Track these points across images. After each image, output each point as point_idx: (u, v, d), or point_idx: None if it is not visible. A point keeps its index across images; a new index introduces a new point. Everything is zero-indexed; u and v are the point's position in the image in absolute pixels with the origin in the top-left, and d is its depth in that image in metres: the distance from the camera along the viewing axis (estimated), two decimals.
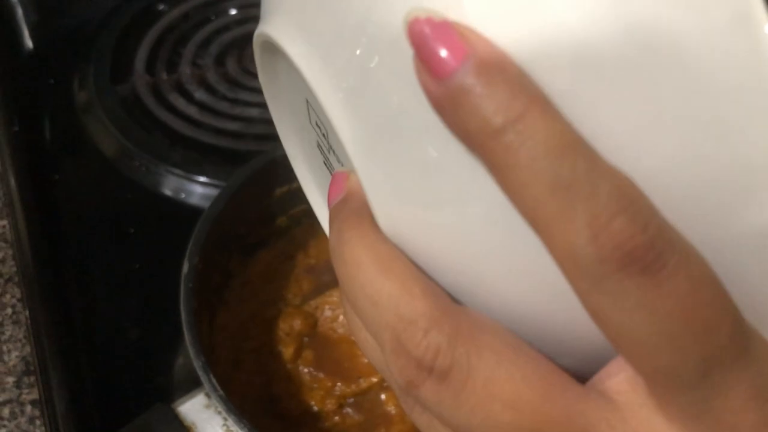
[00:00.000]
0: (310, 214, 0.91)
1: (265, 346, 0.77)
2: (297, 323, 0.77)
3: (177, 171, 0.97)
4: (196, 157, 0.99)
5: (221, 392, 0.61)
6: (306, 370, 0.75)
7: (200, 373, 0.62)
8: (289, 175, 0.83)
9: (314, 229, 0.87)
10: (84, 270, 0.90)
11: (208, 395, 0.63)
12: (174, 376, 0.81)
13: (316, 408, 0.74)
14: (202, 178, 0.96)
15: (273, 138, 0.99)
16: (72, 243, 0.93)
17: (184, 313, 0.65)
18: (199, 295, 0.69)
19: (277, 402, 0.74)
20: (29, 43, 1.14)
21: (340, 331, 0.77)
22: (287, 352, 0.76)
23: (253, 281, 0.82)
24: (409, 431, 0.73)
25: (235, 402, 0.71)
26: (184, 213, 0.95)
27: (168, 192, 0.97)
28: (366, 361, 0.76)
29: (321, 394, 0.74)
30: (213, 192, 0.95)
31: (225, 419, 0.61)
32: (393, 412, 0.74)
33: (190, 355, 0.63)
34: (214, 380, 0.62)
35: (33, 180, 0.97)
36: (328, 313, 0.78)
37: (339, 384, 0.75)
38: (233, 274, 0.81)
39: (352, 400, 0.74)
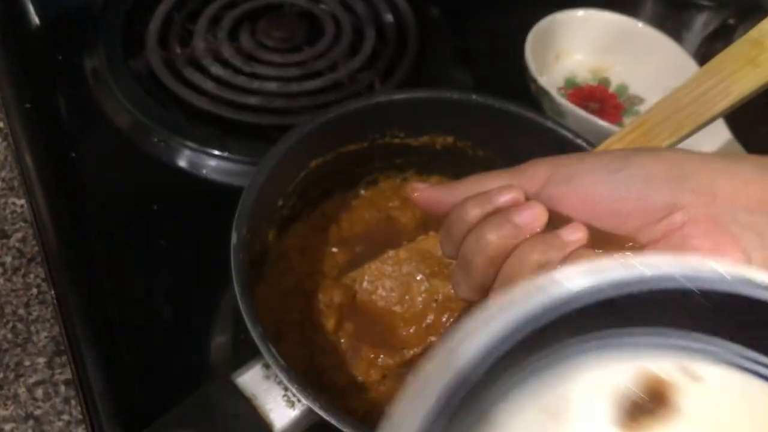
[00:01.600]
0: (341, 185, 0.92)
1: (306, 318, 0.77)
2: (336, 295, 0.77)
3: (197, 146, 0.96)
4: (216, 132, 0.97)
5: (282, 362, 0.61)
6: (348, 341, 0.75)
7: (259, 343, 0.62)
8: (325, 146, 0.84)
9: (345, 201, 0.87)
10: (110, 247, 0.89)
11: (266, 366, 0.62)
12: (211, 354, 0.81)
13: (360, 379, 0.74)
14: (223, 153, 0.95)
15: (293, 112, 1.00)
16: (95, 221, 0.91)
17: (237, 285, 0.64)
18: (245, 266, 0.68)
19: (321, 373, 0.74)
20: (35, 19, 1.11)
21: (381, 303, 0.77)
22: (328, 324, 0.76)
23: (289, 254, 0.81)
24: None
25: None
26: (206, 189, 0.94)
27: (189, 168, 0.96)
28: (408, 332, 0.76)
29: (364, 365, 0.74)
30: (234, 167, 0.94)
31: (285, 389, 0.61)
32: None
33: (247, 326, 0.62)
34: (274, 350, 0.61)
35: (50, 158, 0.95)
36: (366, 285, 0.78)
37: (382, 356, 0.75)
38: (270, 247, 0.80)
39: (395, 371, 0.75)
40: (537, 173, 0.55)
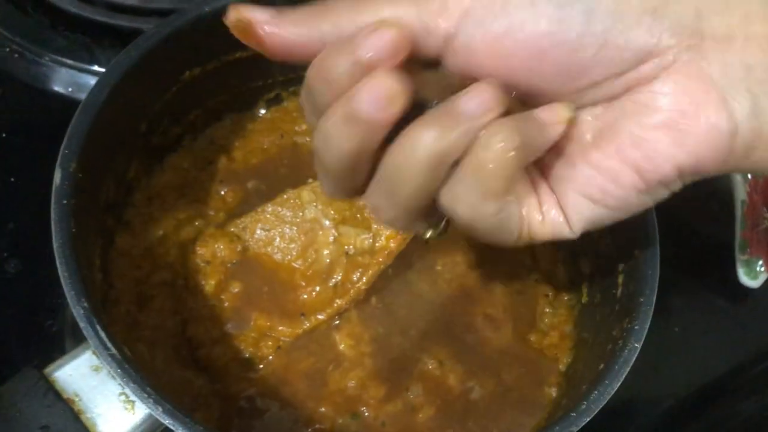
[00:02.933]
0: (232, 105, 0.73)
1: (179, 277, 0.59)
2: (220, 248, 0.60)
3: (62, 59, 0.77)
4: (85, 40, 0.78)
5: (113, 350, 0.44)
6: (233, 307, 0.58)
7: (82, 324, 0.44)
8: (203, 52, 0.65)
9: (239, 125, 0.69)
10: None
11: (97, 354, 0.45)
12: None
13: (247, 354, 0.57)
14: (93, 67, 0.76)
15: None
16: None
17: (56, 241, 0.46)
18: (83, 213, 0.51)
19: (197, 349, 0.57)
20: None
21: (277, 257, 0.60)
22: (208, 284, 0.59)
23: (163, 194, 0.64)
24: (368, 377, 0.58)
25: (139, 358, 0.54)
26: (70, 111, 0.75)
27: (51, 86, 0.77)
28: (311, 293, 0.59)
29: (253, 336, 0.58)
30: None
31: (123, 386, 0.44)
32: (348, 354, 0.59)
33: (67, 298, 0.45)
34: (102, 334, 0.44)
35: None
36: (260, 234, 0.61)
37: (276, 324, 0.58)
38: (135, 187, 0.62)
39: (289, 340, 0.58)
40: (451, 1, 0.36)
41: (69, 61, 0.77)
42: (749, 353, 0.71)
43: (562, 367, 0.60)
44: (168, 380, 0.55)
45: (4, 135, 0.74)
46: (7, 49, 0.78)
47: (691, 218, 0.77)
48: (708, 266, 0.75)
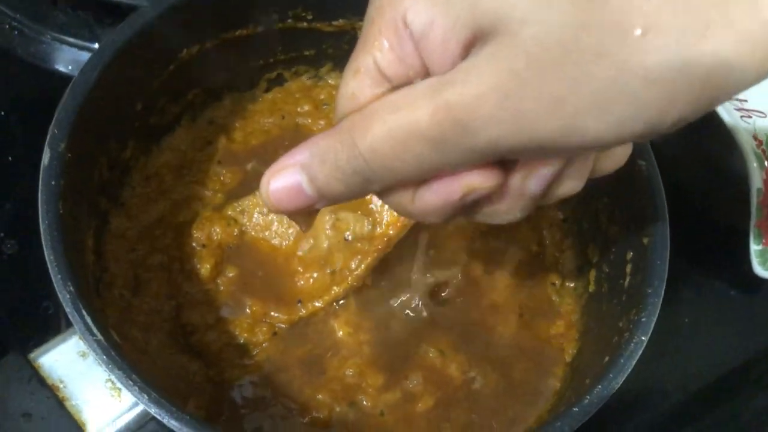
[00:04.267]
0: (233, 85, 0.71)
1: (174, 260, 0.58)
2: (216, 231, 0.58)
3: (63, 37, 0.76)
4: (87, 18, 0.76)
5: (99, 336, 0.42)
6: (228, 292, 0.57)
7: (68, 308, 0.43)
8: (201, 29, 0.63)
9: (239, 105, 0.67)
10: None
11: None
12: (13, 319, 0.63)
13: (242, 339, 0.56)
14: (94, 45, 0.74)
15: None
16: None
17: (42, 222, 0.45)
18: (74, 194, 0.49)
19: (191, 334, 0.56)
20: None
21: (275, 242, 0.59)
22: (203, 268, 0.57)
23: (160, 175, 0.62)
24: (366, 365, 0.56)
25: (132, 343, 0.53)
26: None
27: (52, 64, 0.76)
28: (308, 280, 0.58)
29: (248, 322, 0.56)
30: None
31: (108, 372, 0.43)
32: (347, 341, 0.57)
33: (53, 282, 0.44)
34: (88, 318, 0.43)
35: None
36: (257, 218, 0.59)
37: (273, 311, 0.57)
38: (131, 167, 0.61)
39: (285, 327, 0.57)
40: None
41: (70, 39, 0.76)
42: (762, 345, 0.69)
43: (567, 357, 0.59)
44: (162, 366, 0.54)
45: (2, 113, 0.73)
46: (7, 26, 0.76)
47: (705, 206, 0.75)
48: (721, 256, 0.72)
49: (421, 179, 0.35)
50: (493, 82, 0.30)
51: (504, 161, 0.35)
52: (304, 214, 0.39)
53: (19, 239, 0.66)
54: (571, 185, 0.38)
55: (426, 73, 0.34)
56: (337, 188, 0.35)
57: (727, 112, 0.73)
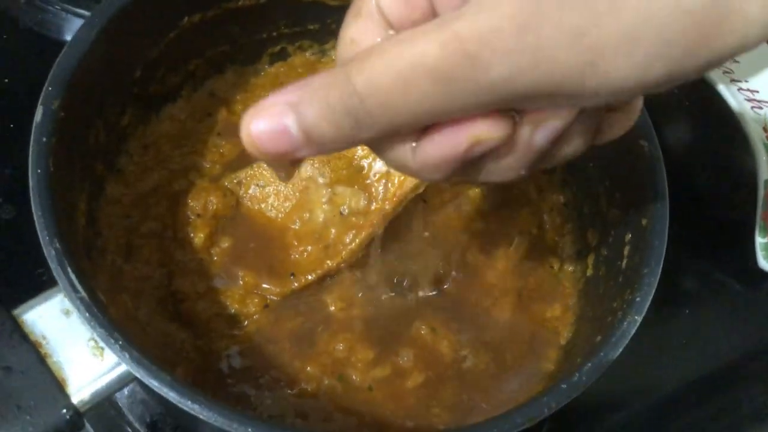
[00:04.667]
0: (236, 57, 0.71)
1: (168, 229, 0.58)
2: (212, 201, 0.58)
3: (71, 7, 0.76)
4: None
5: (82, 293, 0.42)
6: (221, 262, 0.57)
7: (53, 264, 0.43)
8: None
9: (242, 78, 0.67)
10: None
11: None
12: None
13: (232, 310, 0.56)
14: None
15: None
16: None
17: (32, 178, 0.45)
18: (65, 154, 0.49)
19: (181, 302, 0.55)
20: None
21: (271, 215, 0.58)
22: (197, 237, 0.57)
23: (158, 144, 0.62)
24: (357, 339, 0.56)
25: (122, 308, 0.53)
26: None
27: (58, 34, 0.76)
28: (302, 253, 0.57)
29: (239, 293, 0.56)
30: None
31: (91, 331, 0.42)
32: (338, 316, 0.57)
33: (38, 236, 0.43)
34: (73, 276, 0.43)
35: None
36: (254, 191, 0.59)
37: (265, 282, 0.56)
38: (129, 134, 0.61)
39: (277, 299, 0.56)
40: None
41: (77, 10, 0.76)
42: (763, 340, 0.67)
43: (562, 341, 0.58)
44: (150, 333, 0.54)
45: (6, 80, 0.73)
46: None
47: (711, 197, 0.74)
48: (725, 248, 0.71)
49: (418, 126, 0.32)
50: (510, 11, 0.28)
51: (508, 116, 0.32)
52: (285, 162, 0.35)
53: (18, 205, 0.66)
54: (576, 145, 0.35)
55: (433, 17, 0.32)
56: (326, 131, 0.31)
57: (737, 102, 0.71)
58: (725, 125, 0.71)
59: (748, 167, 0.68)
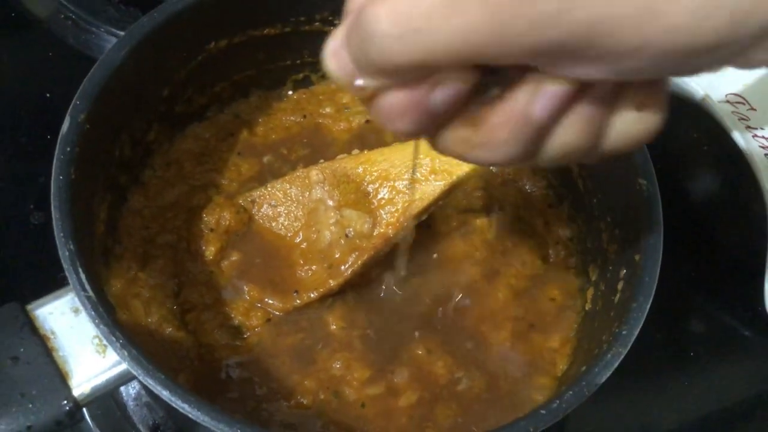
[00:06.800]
0: (260, 82, 0.74)
1: (182, 241, 0.60)
2: (225, 217, 0.61)
3: (113, 30, 0.81)
4: (137, 13, 0.81)
5: (90, 292, 0.45)
6: (229, 275, 0.59)
7: (66, 265, 0.46)
8: (230, 23, 0.66)
9: (265, 102, 0.70)
10: None
11: None
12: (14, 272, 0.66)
13: (236, 321, 0.58)
14: None
15: None
16: None
17: (54, 183, 0.48)
18: (89, 164, 0.52)
19: (187, 312, 0.58)
20: None
21: (280, 233, 0.61)
22: (208, 251, 0.60)
23: (181, 161, 0.65)
24: (356, 359, 0.58)
25: (134, 314, 0.55)
26: None
27: (99, 54, 0.79)
28: (306, 272, 0.59)
29: (243, 306, 0.58)
30: None
31: (96, 328, 0.45)
32: (339, 335, 0.58)
33: (55, 239, 0.46)
34: (83, 275, 0.45)
35: None
36: (267, 210, 0.61)
37: (269, 298, 0.58)
38: (154, 150, 0.64)
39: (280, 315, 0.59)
40: None
41: (120, 33, 0.80)
42: (765, 386, 0.67)
43: (558, 373, 0.59)
44: (158, 340, 0.56)
45: (48, 95, 0.77)
46: (63, 17, 0.82)
47: (724, 241, 0.74)
48: (735, 292, 0.71)
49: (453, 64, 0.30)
50: None
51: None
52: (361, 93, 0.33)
53: (47, 212, 0.69)
54: (576, 133, 0.32)
55: None
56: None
57: (750, 149, 0.72)
58: (739, 170, 0.71)
59: (760, 212, 0.69)
